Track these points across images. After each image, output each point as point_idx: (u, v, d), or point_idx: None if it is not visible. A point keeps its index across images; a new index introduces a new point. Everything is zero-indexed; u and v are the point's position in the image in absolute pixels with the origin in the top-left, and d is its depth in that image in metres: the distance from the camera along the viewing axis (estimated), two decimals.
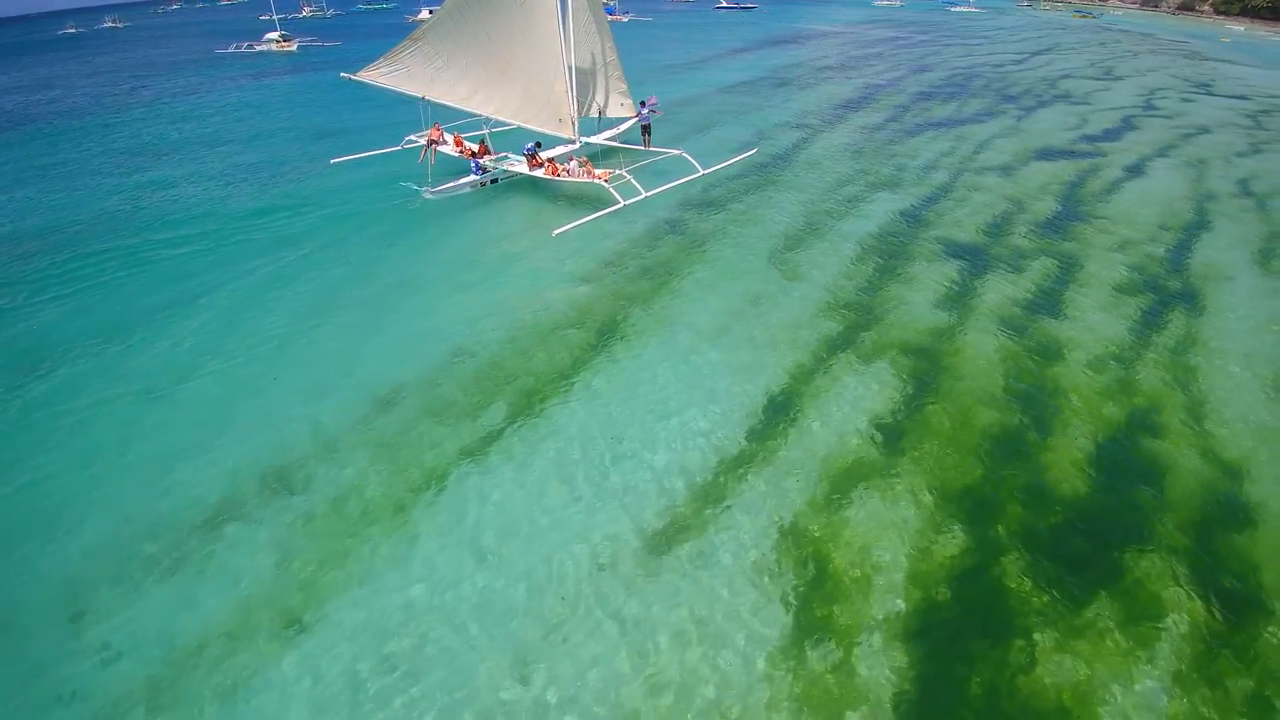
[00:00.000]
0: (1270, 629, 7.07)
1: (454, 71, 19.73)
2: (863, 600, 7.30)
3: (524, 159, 20.28)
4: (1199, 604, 7.30)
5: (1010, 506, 8.54)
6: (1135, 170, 22.83)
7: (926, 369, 11.34)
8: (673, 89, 35.03)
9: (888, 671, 6.60)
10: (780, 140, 26.05)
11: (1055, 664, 6.68)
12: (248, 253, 15.96)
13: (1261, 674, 6.65)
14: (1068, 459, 9.34)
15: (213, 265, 15.30)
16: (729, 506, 8.49)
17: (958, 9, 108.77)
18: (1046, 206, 19.16)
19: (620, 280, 14.54)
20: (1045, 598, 7.34)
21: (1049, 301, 13.70)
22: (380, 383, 10.95)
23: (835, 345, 12.06)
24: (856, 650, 6.79)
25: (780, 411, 10.28)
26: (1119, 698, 6.40)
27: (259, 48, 59.64)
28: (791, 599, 7.30)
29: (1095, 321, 12.92)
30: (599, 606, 7.21)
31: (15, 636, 7.08)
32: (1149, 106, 33.71)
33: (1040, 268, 15.22)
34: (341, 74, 20.59)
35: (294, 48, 59.44)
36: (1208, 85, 40.80)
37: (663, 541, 7.99)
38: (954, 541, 8.02)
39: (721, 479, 8.95)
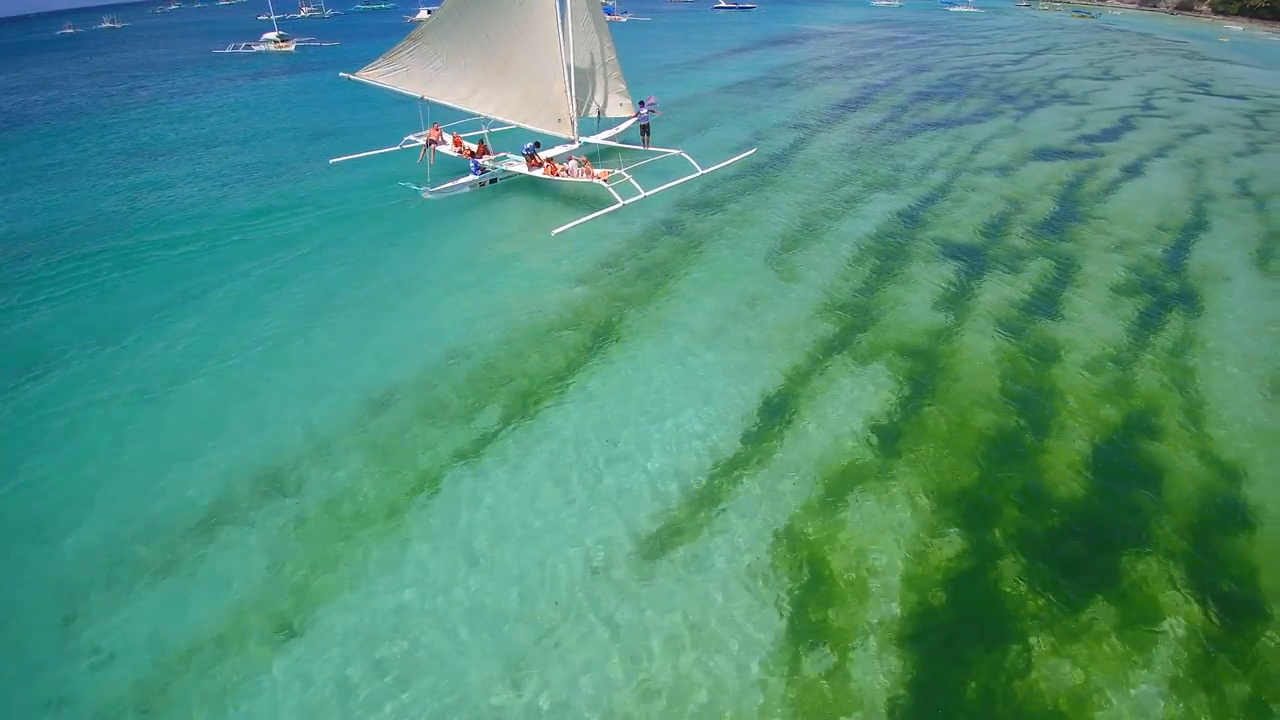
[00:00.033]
0: (1268, 633, 7.03)
1: (453, 71, 19.70)
2: (858, 604, 7.26)
3: (523, 159, 20.26)
4: (1196, 608, 7.26)
5: (1007, 509, 8.50)
6: (1133, 170, 22.79)
7: (923, 371, 11.30)
8: (671, 89, 35.00)
9: (883, 676, 6.56)
10: (778, 140, 26.01)
11: (1051, 668, 6.64)
12: (244, 253, 15.92)
13: (1259, 678, 6.61)
14: (1064, 461, 9.30)
15: (209, 266, 15.25)
16: (724, 510, 8.45)
17: (956, 9, 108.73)
18: (1044, 207, 19.12)
19: (617, 281, 14.49)
20: (1041, 601, 7.30)
21: (1046, 302, 13.66)
22: (375, 384, 10.91)
23: (831, 347, 12.02)
24: (851, 655, 6.75)
25: (776, 414, 10.23)
26: (1115, 702, 6.35)
27: (257, 48, 59.56)
28: (786, 603, 7.26)
29: (1093, 322, 12.88)
30: (592, 611, 7.16)
31: (8, 639, 7.05)
32: (1147, 106, 33.68)
33: (1038, 268, 15.18)
34: (340, 74, 20.58)
35: (292, 48, 59.36)
36: (1206, 85, 40.77)
37: (657, 545, 7.95)
38: (950, 545, 7.98)
39: (716, 482, 8.90)
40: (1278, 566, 7.79)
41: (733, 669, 6.61)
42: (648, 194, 18.19)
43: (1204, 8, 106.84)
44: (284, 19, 77.62)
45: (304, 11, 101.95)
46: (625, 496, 8.66)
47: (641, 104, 23.26)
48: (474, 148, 20.78)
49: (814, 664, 6.66)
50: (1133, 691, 6.45)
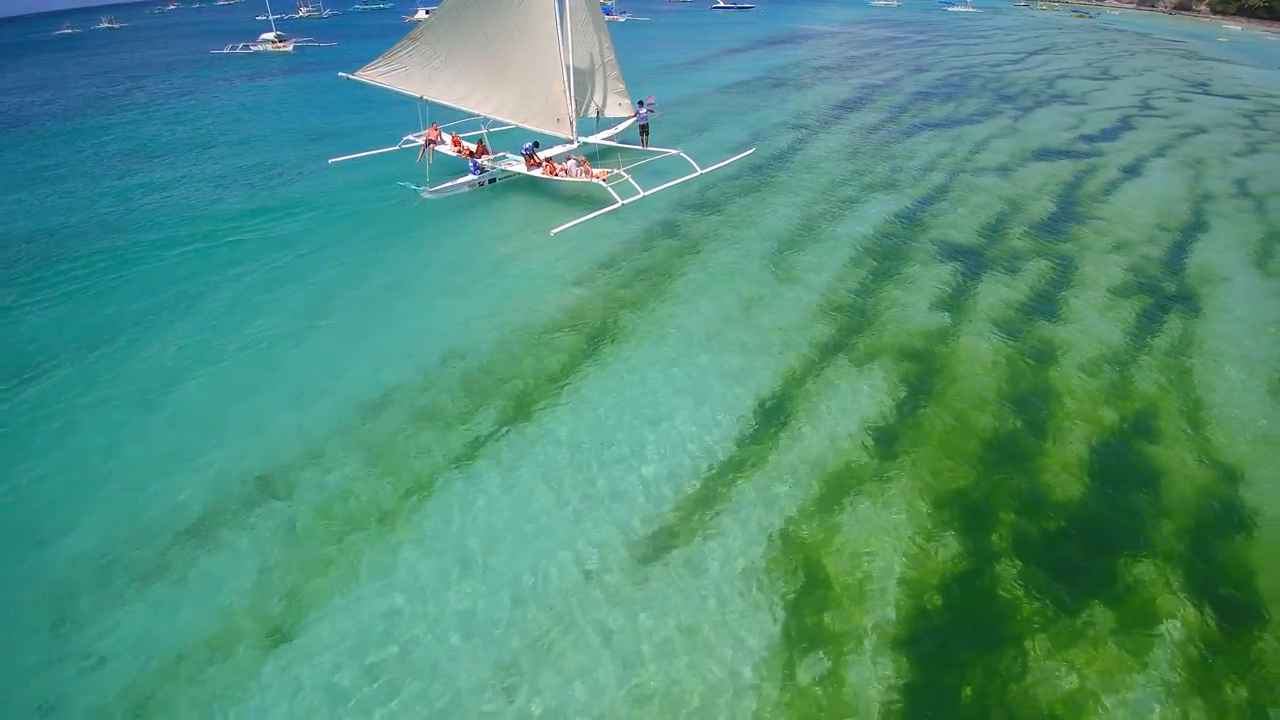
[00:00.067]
0: (1266, 637, 6.98)
1: (452, 71, 19.67)
2: (853, 608, 7.21)
3: (522, 159, 20.22)
4: (1193, 611, 7.21)
5: (1003, 512, 8.45)
6: (1132, 171, 22.76)
7: (920, 372, 11.25)
8: (670, 89, 34.94)
9: (877, 681, 6.51)
10: (777, 140, 25.97)
11: (1047, 672, 6.59)
12: (240, 255, 15.87)
13: (1256, 683, 6.56)
14: (1061, 463, 9.25)
15: (205, 268, 15.19)
16: (718, 513, 8.39)
17: (955, 9, 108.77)
18: (1043, 207, 19.08)
19: (613, 283, 14.44)
20: (1037, 605, 7.25)
21: (1044, 304, 13.61)
22: (369, 387, 10.85)
23: (828, 349, 11.96)
24: (846, 659, 6.69)
25: (771, 416, 10.18)
26: (1111, 707, 6.30)
27: (255, 48, 59.47)
28: (780, 607, 7.21)
29: (1091, 324, 12.83)
30: (584, 616, 7.11)
31: None
32: (1146, 106, 33.65)
33: (1036, 269, 15.13)
34: (340, 74, 20.55)
35: (290, 48, 59.29)
36: (1205, 85, 40.76)
37: (650, 549, 7.89)
38: (946, 548, 7.92)
39: (711, 485, 8.85)
40: (1276, 569, 7.74)
41: (726, 674, 6.56)
42: (647, 194, 18.16)
43: (1202, 7, 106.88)
44: (282, 19, 77.53)
45: (302, 12, 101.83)
46: (619, 500, 8.60)
47: (640, 104, 23.24)
48: (473, 148, 20.75)
49: (808, 669, 6.60)
50: (1129, 696, 6.40)
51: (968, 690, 6.46)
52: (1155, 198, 20.04)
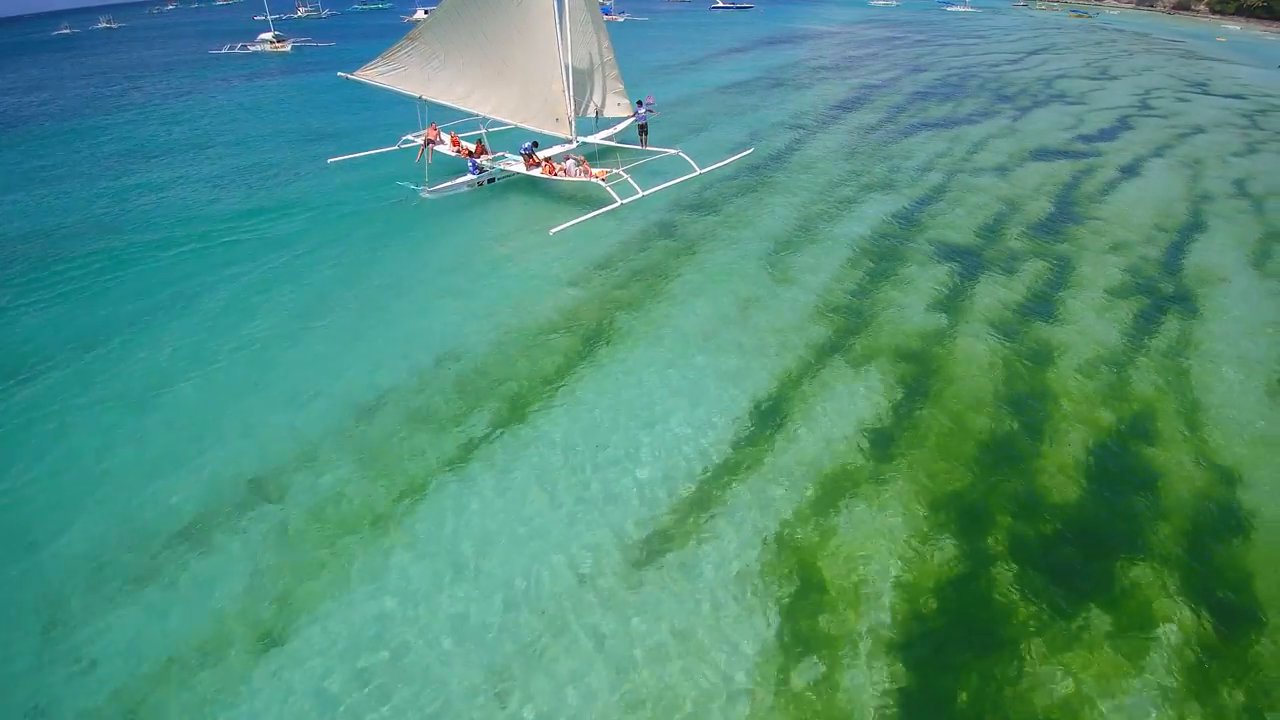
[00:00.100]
0: (1263, 640, 6.94)
1: (451, 71, 19.64)
2: (848, 612, 7.17)
3: (521, 158, 20.20)
4: (1190, 614, 7.18)
5: (1000, 515, 8.41)
6: (1131, 171, 22.72)
7: (917, 374, 11.21)
8: (669, 89, 34.91)
9: (872, 685, 6.47)
10: (776, 140, 25.93)
11: (1043, 676, 6.55)
12: (237, 255, 15.83)
13: (1253, 687, 6.52)
14: (1058, 465, 9.21)
15: (201, 269, 15.15)
16: (713, 516, 8.35)
17: (953, 9, 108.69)
18: (1041, 208, 19.04)
19: (610, 284, 14.40)
20: (1034, 608, 7.21)
21: (1042, 304, 13.58)
22: (364, 388, 10.81)
23: (824, 350, 11.92)
24: (841, 663, 6.65)
25: (767, 418, 10.14)
26: (1107, 711, 6.27)
27: (253, 48, 59.42)
28: (775, 611, 7.17)
29: (1088, 325, 12.80)
30: (577, 620, 7.06)
31: None
32: (1145, 106, 33.61)
33: (1034, 270, 15.09)
34: (339, 73, 20.53)
35: (288, 48, 59.23)
36: (1203, 85, 40.72)
37: (644, 552, 7.86)
38: (942, 551, 7.88)
39: (705, 488, 8.81)
40: (1273, 572, 7.70)
41: (720, 679, 6.52)
42: (645, 193, 18.13)
43: (1201, 7, 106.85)
44: (280, 19, 77.44)
45: (300, 12, 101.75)
46: (613, 503, 8.56)
47: (639, 103, 23.22)
48: (472, 147, 20.72)
49: (803, 673, 6.57)
50: (1125, 700, 6.36)
51: (963, 695, 6.42)
52: (1153, 198, 20.00)
